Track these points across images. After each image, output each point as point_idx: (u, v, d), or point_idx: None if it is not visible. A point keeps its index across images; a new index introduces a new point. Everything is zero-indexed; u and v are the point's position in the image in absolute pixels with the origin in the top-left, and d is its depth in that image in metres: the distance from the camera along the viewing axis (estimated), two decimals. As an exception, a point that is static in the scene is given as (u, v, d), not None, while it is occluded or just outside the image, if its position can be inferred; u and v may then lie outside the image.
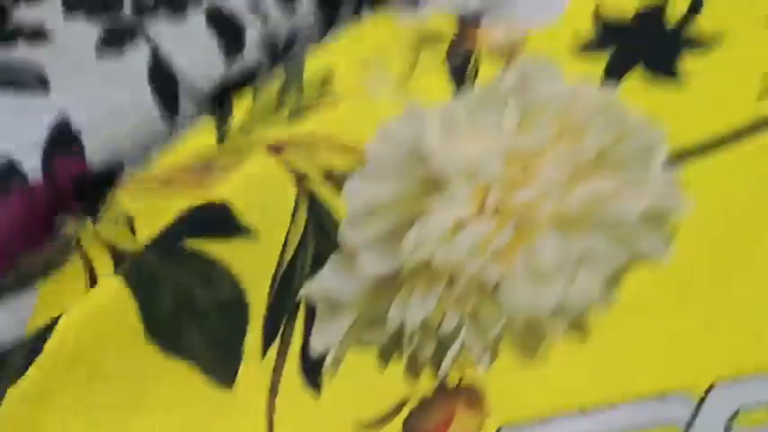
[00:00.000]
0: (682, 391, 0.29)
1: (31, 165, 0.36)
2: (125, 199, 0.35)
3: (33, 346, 0.30)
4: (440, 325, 0.30)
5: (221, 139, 0.36)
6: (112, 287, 0.30)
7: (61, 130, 0.37)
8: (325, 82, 0.37)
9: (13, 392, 0.29)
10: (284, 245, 0.33)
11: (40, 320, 0.31)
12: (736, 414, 0.28)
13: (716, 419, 0.29)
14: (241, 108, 0.38)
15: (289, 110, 0.37)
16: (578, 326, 0.30)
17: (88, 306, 0.30)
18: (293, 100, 0.37)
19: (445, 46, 0.39)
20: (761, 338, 0.30)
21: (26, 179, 0.36)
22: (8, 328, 0.32)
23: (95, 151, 0.37)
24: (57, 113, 0.37)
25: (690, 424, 0.29)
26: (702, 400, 0.28)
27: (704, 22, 0.37)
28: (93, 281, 0.32)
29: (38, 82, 0.39)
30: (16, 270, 0.34)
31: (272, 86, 0.38)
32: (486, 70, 0.38)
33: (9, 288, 0.33)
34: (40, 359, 0.29)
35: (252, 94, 0.39)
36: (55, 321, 0.31)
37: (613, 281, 0.31)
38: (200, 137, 0.37)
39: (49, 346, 0.30)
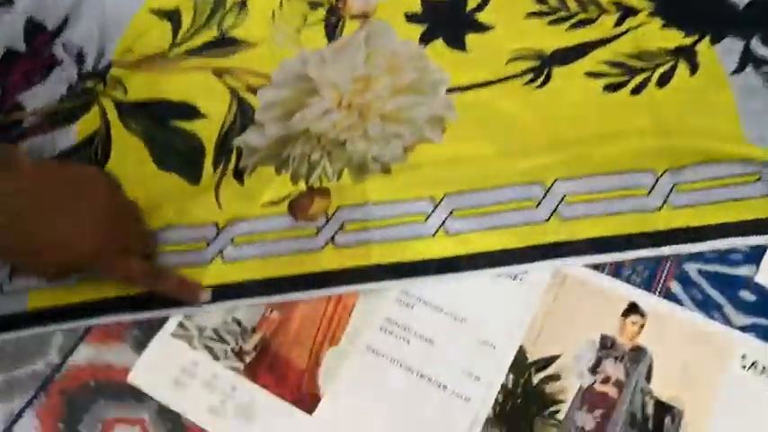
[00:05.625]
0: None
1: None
2: (118, 71, 0.63)
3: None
4: (309, 157, 0.59)
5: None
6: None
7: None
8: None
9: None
10: (224, 122, 0.62)
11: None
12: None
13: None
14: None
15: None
16: (386, 169, 0.60)
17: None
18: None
19: (323, 11, 0.68)
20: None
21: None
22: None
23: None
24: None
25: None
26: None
27: (486, 14, 0.68)
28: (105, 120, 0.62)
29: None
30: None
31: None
32: (349, 28, 0.67)
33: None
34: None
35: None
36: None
37: (409, 149, 0.60)
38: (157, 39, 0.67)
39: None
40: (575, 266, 0.54)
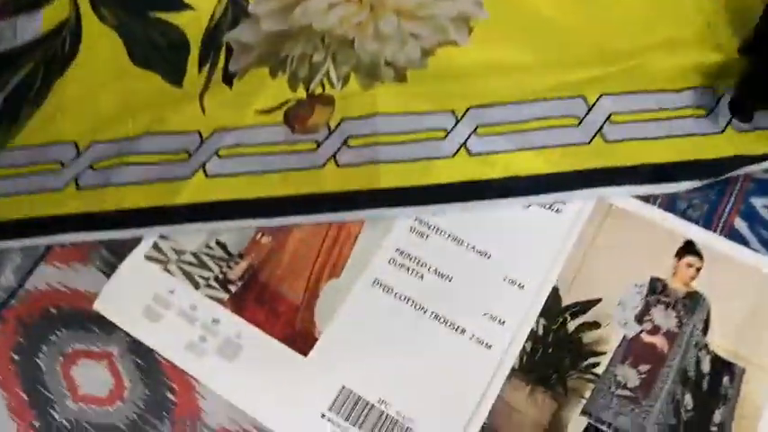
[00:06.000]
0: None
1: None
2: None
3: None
4: (311, 58, 0.50)
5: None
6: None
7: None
8: None
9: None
10: (213, 14, 0.54)
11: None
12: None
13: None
14: None
15: None
16: (400, 75, 0.51)
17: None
18: None
19: None
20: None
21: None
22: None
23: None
24: None
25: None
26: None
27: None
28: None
29: None
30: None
31: None
32: None
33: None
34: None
35: None
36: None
37: (429, 52, 0.52)
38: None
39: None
40: (621, 197, 0.46)
